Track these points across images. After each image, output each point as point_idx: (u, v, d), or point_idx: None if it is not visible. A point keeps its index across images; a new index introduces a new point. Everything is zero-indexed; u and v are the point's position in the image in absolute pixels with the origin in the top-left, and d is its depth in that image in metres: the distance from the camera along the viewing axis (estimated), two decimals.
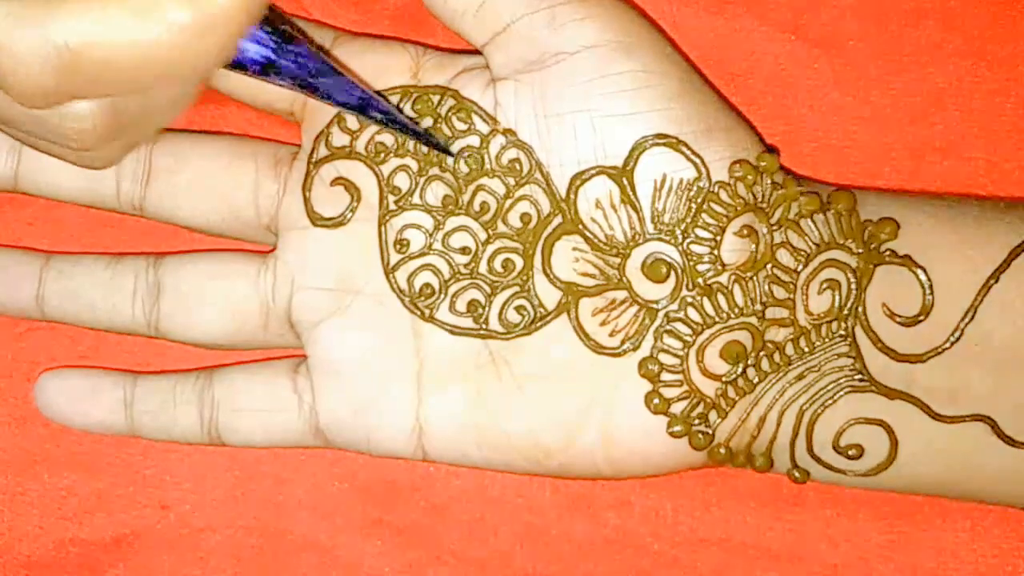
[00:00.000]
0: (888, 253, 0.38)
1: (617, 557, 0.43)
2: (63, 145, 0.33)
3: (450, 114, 0.38)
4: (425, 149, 0.39)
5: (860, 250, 0.38)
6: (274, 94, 0.40)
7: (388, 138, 0.39)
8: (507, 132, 0.38)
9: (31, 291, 0.41)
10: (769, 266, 0.38)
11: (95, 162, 0.34)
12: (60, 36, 0.30)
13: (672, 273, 0.38)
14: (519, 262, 0.39)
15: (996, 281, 0.37)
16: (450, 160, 0.38)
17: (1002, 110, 0.43)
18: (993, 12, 0.42)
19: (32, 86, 0.30)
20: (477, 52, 0.39)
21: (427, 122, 0.39)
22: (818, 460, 0.39)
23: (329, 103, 0.36)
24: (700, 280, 0.38)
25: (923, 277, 0.37)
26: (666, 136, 0.37)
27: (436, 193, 0.39)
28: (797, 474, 0.39)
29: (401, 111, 0.38)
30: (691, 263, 0.38)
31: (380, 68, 0.39)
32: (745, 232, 0.38)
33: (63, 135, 0.32)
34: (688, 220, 0.37)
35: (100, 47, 0.30)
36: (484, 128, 0.38)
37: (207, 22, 0.30)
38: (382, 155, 0.39)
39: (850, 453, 0.38)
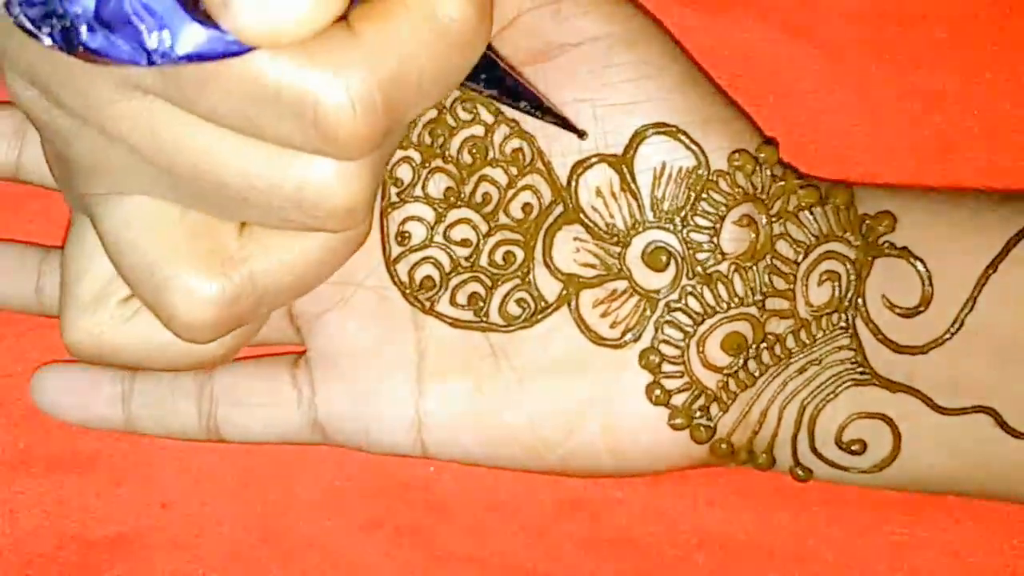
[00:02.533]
0: (886, 245, 0.38)
1: (617, 557, 0.43)
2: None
3: (455, 104, 0.38)
4: (429, 140, 0.39)
5: (858, 243, 0.38)
6: None
7: None
8: (510, 122, 0.38)
9: (30, 284, 0.41)
10: (769, 256, 0.38)
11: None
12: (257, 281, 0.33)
13: (672, 261, 0.38)
14: (520, 254, 0.39)
15: (994, 270, 0.37)
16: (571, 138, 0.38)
17: (1002, 111, 0.43)
18: (992, 13, 0.43)
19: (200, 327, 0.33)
20: None
21: (432, 113, 0.39)
22: (821, 457, 0.38)
23: (504, 101, 0.36)
24: (700, 268, 0.38)
25: (921, 268, 0.37)
26: (665, 125, 0.37)
27: (438, 185, 0.39)
28: (800, 472, 0.39)
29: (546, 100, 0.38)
30: (691, 251, 0.38)
31: None
32: (745, 222, 0.38)
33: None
34: (687, 208, 0.38)
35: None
36: (489, 118, 0.38)
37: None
38: None
39: (853, 448, 0.38)
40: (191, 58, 0.27)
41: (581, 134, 0.38)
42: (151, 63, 0.27)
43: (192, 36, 0.27)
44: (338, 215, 0.31)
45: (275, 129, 0.29)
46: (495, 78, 0.35)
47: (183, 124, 0.30)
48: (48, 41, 0.27)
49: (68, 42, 0.27)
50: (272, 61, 0.28)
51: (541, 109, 0.37)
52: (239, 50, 0.27)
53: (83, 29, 0.27)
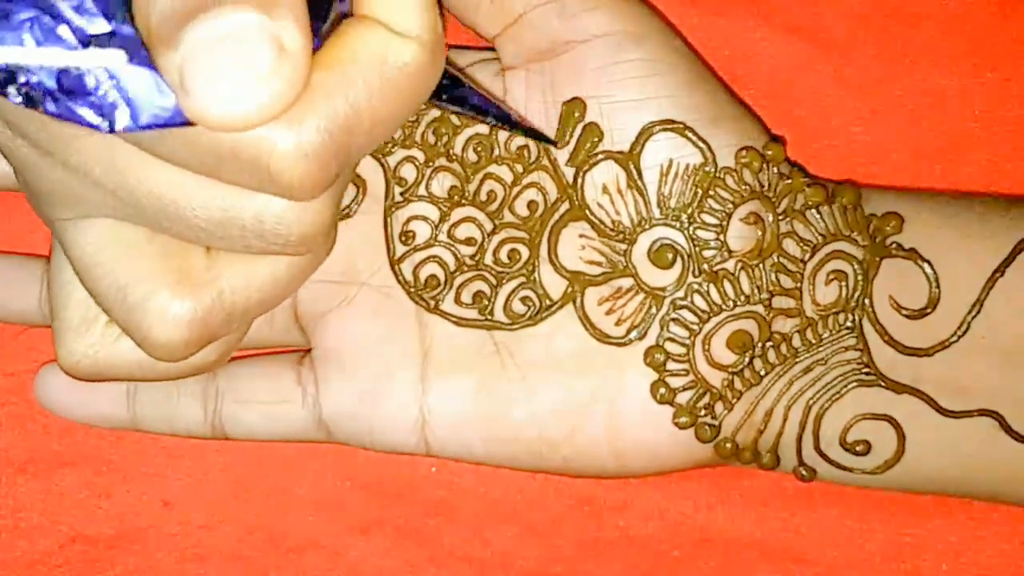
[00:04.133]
0: (894, 246, 0.38)
1: (617, 557, 0.43)
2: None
3: None
4: (433, 139, 0.39)
5: (866, 243, 0.38)
6: None
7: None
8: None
9: (34, 296, 0.41)
10: (775, 255, 0.38)
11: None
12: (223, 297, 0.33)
13: (678, 259, 0.38)
14: (525, 252, 0.39)
15: (1002, 274, 0.37)
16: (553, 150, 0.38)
17: (1003, 111, 0.43)
18: (993, 13, 0.43)
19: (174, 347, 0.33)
20: (484, 48, 0.40)
21: (435, 112, 0.39)
22: (825, 457, 0.38)
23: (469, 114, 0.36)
24: (706, 265, 0.38)
25: (929, 270, 0.37)
26: (673, 122, 0.37)
27: (442, 184, 0.39)
28: (804, 472, 0.39)
29: (514, 114, 0.38)
30: (697, 248, 0.38)
31: None
32: (751, 220, 0.38)
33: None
34: (694, 205, 0.38)
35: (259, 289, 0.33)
36: None
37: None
38: (388, 146, 0.39)
39: (857, 449, 0.38)
40: (153, 126, 0.27)
41: (554, 143, 0.38)
42: (112, 130, 0.27)
43: (155, 108, 0.27)
44: (297, 244, 0.31)
45: (232, 176, 0.29)
46: (459, 97, 0.35)
47: (143, 162, 0.30)
48: (17, 100, 0.27)
49: (32, 105, 0.28)
50: None
51: (509, 122, 0.37)
52: None
53: (46, 98, 0.27)
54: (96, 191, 0.31)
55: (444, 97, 0.34)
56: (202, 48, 0.26)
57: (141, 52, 0.27)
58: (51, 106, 0.27)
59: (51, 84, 0.27)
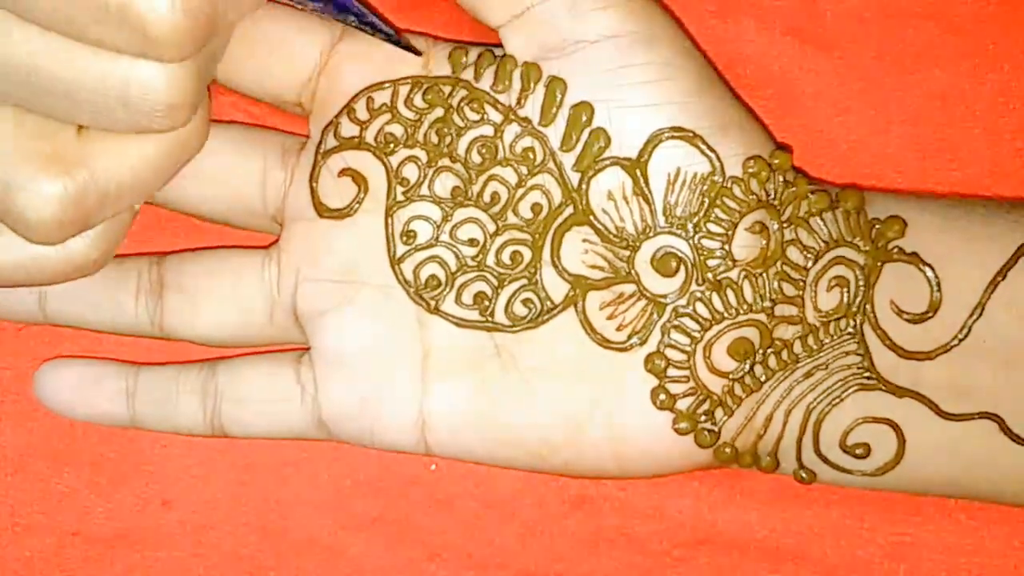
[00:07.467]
0: (896, 251, 0.38)
1: (618, 556, 0.43)
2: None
3: (462, 104, 0.38)
4: (436, 139, 0.38)
5: (868, 248, 0.38)
6: (282, 84, 0.39)
7: (398, 128, 0.39)
8: (522, 121, 0.38)
9: (33, 294, 0.41)
10: (779, 263, 0.38)
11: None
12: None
13: (682, 267, 0.38)
14: (527, 254, 0.38)
15: (1003, 278, 0.37)
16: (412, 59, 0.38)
17: (1005, 111, 0.43)
18: (994, 13, 0.43)
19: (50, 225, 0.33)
20: (486, 45, 0.39)
21: (439, 112, 0.38)
22: (825, 460, 0.38)
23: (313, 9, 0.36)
24: (710, 275, 0.38)
25: (930, 274, 0.37)
26: (682, 129, 0.37)
27: (445, 184, 0.39)
28: (804, 475, 0.39)
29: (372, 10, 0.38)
30: (701, 257, 0.38)
31: (391, 60, 0.39)
32: (756, 228, 0.38)
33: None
34: (700, 214, 0.37)
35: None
36: (497, 117, 0.38)
37: None
38: (391, 145, 0.39)
39: (857, 452, 0.38)
40: None
41: (416, 52, 0.38)
42: None
43: None
44: (164, 115, 0.32)
45: (98, 31, 0.29)
46: None
47: (10, 27, 0.30)
48: None
49: None
50: None
51: (370, 25, 0.36)
52: None
53: None
54: None
55: None
56: None
57: None
58: None
59: None
